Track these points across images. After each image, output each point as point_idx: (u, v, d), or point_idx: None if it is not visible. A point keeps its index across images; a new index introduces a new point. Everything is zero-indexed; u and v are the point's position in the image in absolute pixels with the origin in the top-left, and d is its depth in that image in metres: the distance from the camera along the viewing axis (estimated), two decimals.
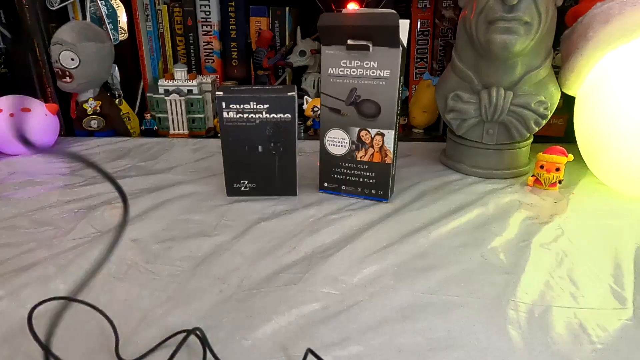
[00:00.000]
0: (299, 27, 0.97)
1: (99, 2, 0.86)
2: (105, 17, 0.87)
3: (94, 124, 0.88)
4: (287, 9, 0.98)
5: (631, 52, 0.56)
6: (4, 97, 0.77)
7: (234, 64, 1.00)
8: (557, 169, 0.62)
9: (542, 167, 0.63)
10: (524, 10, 0.56)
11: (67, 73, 0.81)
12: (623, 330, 0.35)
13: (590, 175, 0.67)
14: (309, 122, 0.91)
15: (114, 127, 0.91)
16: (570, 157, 0.62)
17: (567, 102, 0.79)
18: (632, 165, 0.56)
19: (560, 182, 0.62)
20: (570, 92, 0.65)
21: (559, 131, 0.87)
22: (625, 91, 0.55)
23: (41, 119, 0.78)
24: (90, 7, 0.87)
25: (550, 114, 0.64)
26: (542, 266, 0.44)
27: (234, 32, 0.97)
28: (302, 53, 0.97)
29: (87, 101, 0.86)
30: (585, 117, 0.61)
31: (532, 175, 0.64)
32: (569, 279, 0.42)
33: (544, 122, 0.64)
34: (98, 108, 0.87)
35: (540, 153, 0.63)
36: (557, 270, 0.43)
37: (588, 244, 0.48)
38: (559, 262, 0.45)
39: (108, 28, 0.88)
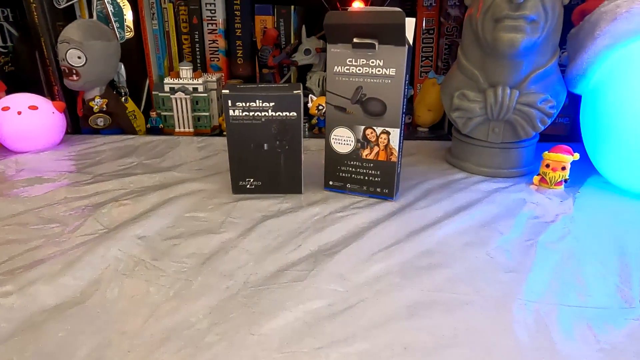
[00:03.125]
0: (304, 26, 0.97)
1: (105, 0, 0.87)
2: (111, 15, 0.88)
3: (100, 121, 0.88)
4: (292, 7, 0.98)
5: (639, 50, 0.55)
6: (11, 95, 0.78)
7: (239, 63, 1.00)
8: (563, 168, 0.62)
9: (548, 165, 0.62)
10: (531, 8, 0.56)
11: (74, 71, 0.82)
12: (630, 329, 0.35)
13: (596, 174, 0.67)
14: (314, 121, 0.91)
15: (120, 125, 0.91)
16: (576, 155, 0.62)
17: (573, 101, 0.79)
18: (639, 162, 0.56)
19: (566, 181, 0.62)
20: (576, 91, 0.65)
21: (564, 130, 0.87)
22: (632, 90, 0.55)
23: (48, 116, 0.78)
24: (96, 6, 0.88)
25: (556, 112, 0.63)
26: (548, 265, 0.44)
27: (239, 31, 0.97)
28: (307, 51, 0.97)
29: (93, 99, 0.87)
30: (593, 116, 0.61)
31: (538, 174, 0.64)
32: (575, 278, 0.42)
33: (550, 121, 0.64)
34: (104, 106, 0.88)
35: (546, 152, 0.63)
36: (563, 269, 0.43)
37: (594, 243, 0.48)
38: (565, 261, 0.45)
39: (115, 26, 0.88)
